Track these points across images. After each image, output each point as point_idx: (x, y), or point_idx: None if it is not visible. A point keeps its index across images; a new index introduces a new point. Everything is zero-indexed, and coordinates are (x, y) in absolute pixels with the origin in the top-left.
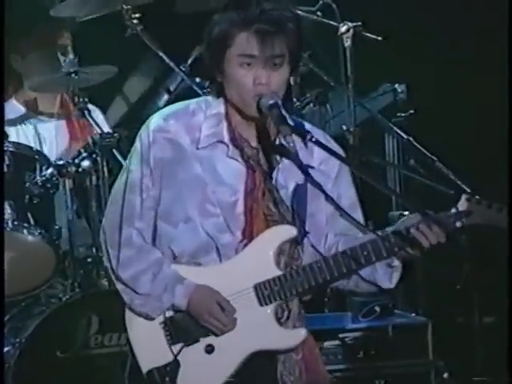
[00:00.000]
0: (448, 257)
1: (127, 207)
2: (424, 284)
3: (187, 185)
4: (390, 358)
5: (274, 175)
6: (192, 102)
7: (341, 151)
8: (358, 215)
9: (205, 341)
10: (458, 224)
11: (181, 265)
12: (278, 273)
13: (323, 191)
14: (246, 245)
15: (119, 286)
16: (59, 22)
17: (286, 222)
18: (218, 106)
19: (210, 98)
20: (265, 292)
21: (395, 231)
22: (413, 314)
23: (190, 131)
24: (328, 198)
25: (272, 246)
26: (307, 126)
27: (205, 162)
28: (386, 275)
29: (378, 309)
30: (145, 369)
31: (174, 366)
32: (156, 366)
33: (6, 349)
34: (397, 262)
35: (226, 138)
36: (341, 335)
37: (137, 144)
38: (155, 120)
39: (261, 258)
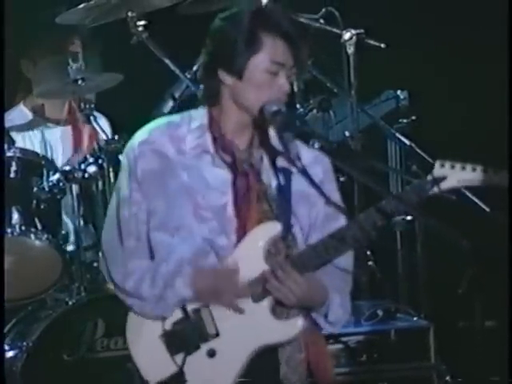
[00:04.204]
0: (450, 261)
1: (123, 223)
2: (426, 288)
3: (177, 193)
4: (392, 361)
5: (266, 176)
6: (175, 117)
7: (325, 158)
8: (342, 221)
9: (205, 346)
10: (436, 189)
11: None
12: (268, 268)
13: (319, 188)
14: None
15: (129, 301)
16: (71, 29)
17: (279, 219)
18: (201, 118)
19: (192, 112)
20: (256, 289)
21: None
22: (415, 318)
23: (174, 142)
24: (323, 196)
25: (260, 242)
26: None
27: (191, 171)
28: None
29: (380, 312)
30: (151, 383)
31: (180, 376)
32: (162, 379)
33: (13, 352)
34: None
35: (211, 148)
36: (343, 339)
37: (123, 161)
38: (140, 134)
39: (250, 256)
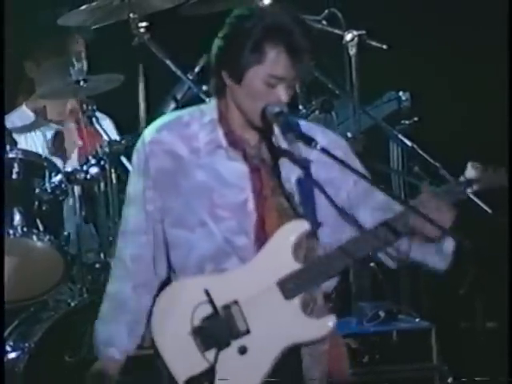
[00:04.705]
0: (452, 261)
1: (135, 220)
2: (428, 289)
3: (193, 193)
4: (394, 362)
5: (281, 171)
6: (185, 113)
7: (341, 141)
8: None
9: (236, 343)
10: (469, 191)
11: (203, 276)
12: (298, 266)
13: (352, 169)
14: (261, 244)
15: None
16: (74, 29)
17: (299, 215)
18: (211, 113)
19: (202, 106)
20: (288, 286)
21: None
22: (417, 319)
23: (186, 141)
24: (355, 174)
25: (288, 241)
26: (308, 125)
27: (207, 169)
28: (438, 257)
29: (382, 314)
30: (181, 380)
31: (210, 372)
32: (192, 376)
33: (15, 353)
34: (448, 247)
35: (224, 142)
36: (345, 340)
37: (134, 158)
38: (149, 133)
39: (280, 255)
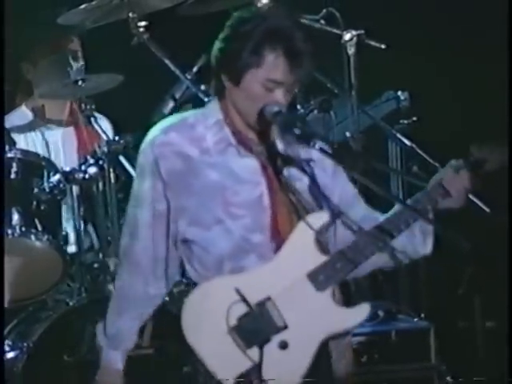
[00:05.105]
0: (450, 261)
1: (129, 220)
2: (427, 288)
3: (206, 193)
4: (393, 362)
5: (287, 169)
6: (189, 116)
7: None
8: (364, 205)
9: (276, 338)
10: (479, 172)
11: (228, 276)
12: (323, 258)
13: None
14: (276, 240)
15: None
16: (69, 28)
17: (309, 210)
18: (216, 114)
19: (204, 109)
20: (320, 278)
21: (431, 187)
22: (415, 319)
23: (195, 143)
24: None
25: (311, 234)
26: None
27: (219, 167)
28: (421, 241)
29: (381, 313)
30: (228, 380)
31: (256, 369)
32: (240, 374)
33: (14, 353)
34: (428, 227)
35: (233, 140)
36: None
37: (140, 159)
38: (156, 134)
39: (303, 248)
